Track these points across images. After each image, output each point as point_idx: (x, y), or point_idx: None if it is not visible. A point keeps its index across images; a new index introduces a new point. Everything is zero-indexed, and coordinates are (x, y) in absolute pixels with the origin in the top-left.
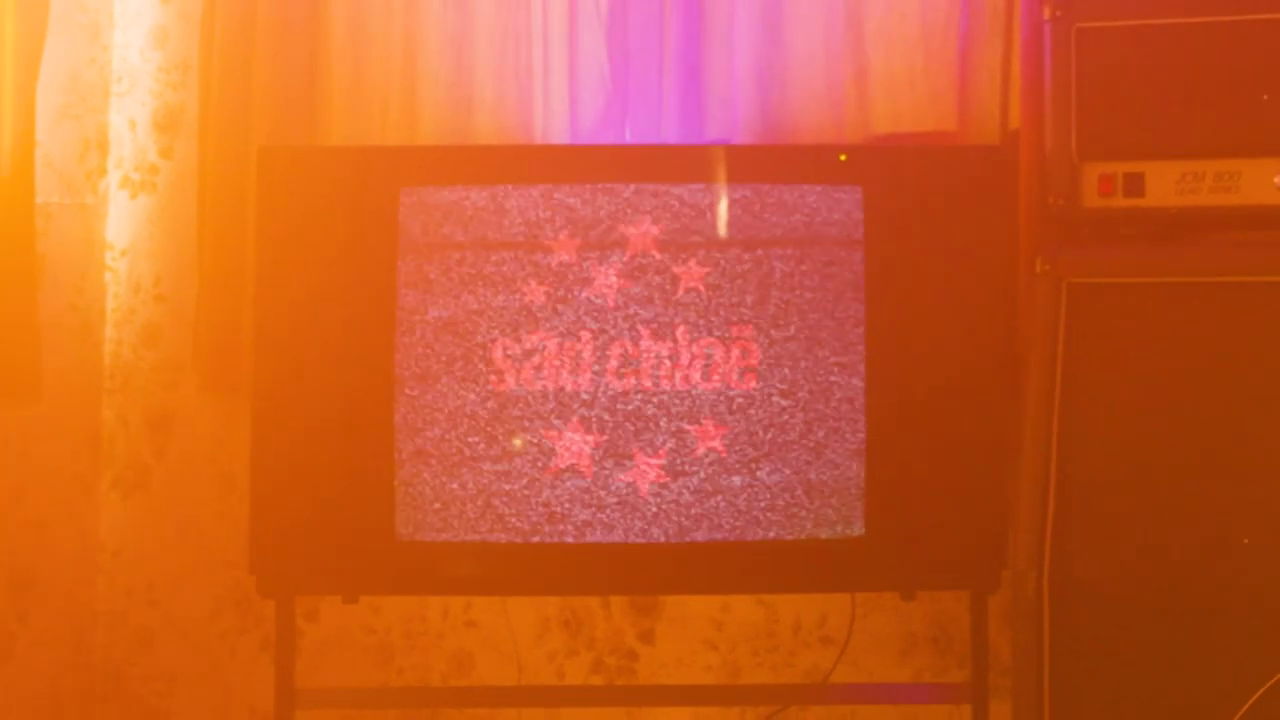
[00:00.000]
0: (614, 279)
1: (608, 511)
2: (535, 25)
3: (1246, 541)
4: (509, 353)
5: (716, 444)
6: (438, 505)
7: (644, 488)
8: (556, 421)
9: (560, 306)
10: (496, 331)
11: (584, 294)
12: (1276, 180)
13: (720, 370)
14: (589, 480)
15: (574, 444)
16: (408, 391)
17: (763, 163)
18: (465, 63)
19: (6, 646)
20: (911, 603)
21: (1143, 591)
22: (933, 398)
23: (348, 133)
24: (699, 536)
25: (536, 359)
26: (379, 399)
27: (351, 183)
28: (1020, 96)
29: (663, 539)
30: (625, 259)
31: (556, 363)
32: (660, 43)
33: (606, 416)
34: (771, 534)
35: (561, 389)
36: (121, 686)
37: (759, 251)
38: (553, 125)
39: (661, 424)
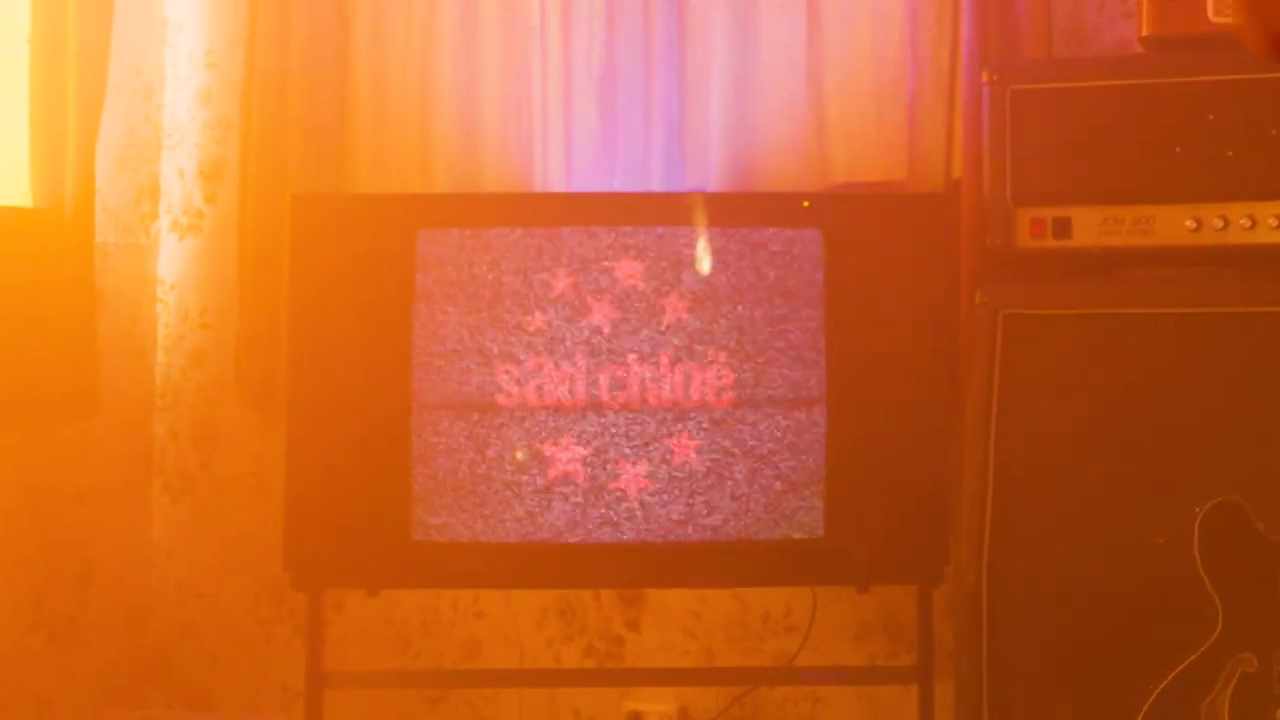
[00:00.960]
0: (605, 310)
1: (599, 515)
2: (535, 85)
3: (1161, 541)
4: (512, 375)
5: (694, 455)
6: (449, 509)
7: (631, 494)
8: (554, 435)
9: (558, 334)
10: (501, 356)
11: (578, 323)
12: (1186, 223)
13: (698, 390)
14: (582, 487)
15: (569, 455)
16: (423, 408)
17: (735, 208)
18: (474, 119)
19: (69, 631)
20: (865, 595)
21: (1069, 585)
22: (885, 414)
23: (371, 181)
24: (679, 537)
25: (537, 380)
26: (398, 415)
27: (374, 225)
28: (962, 149)
29: (647, 539)
30: (615, 292)
31: (554, 384)
32: (646, 101)
33: (598, 431)
34: (743, 535)
35: (559, 407)
36: (170, 668)
37: (732, 286)
38: (551, 174)
39: (647, 438)
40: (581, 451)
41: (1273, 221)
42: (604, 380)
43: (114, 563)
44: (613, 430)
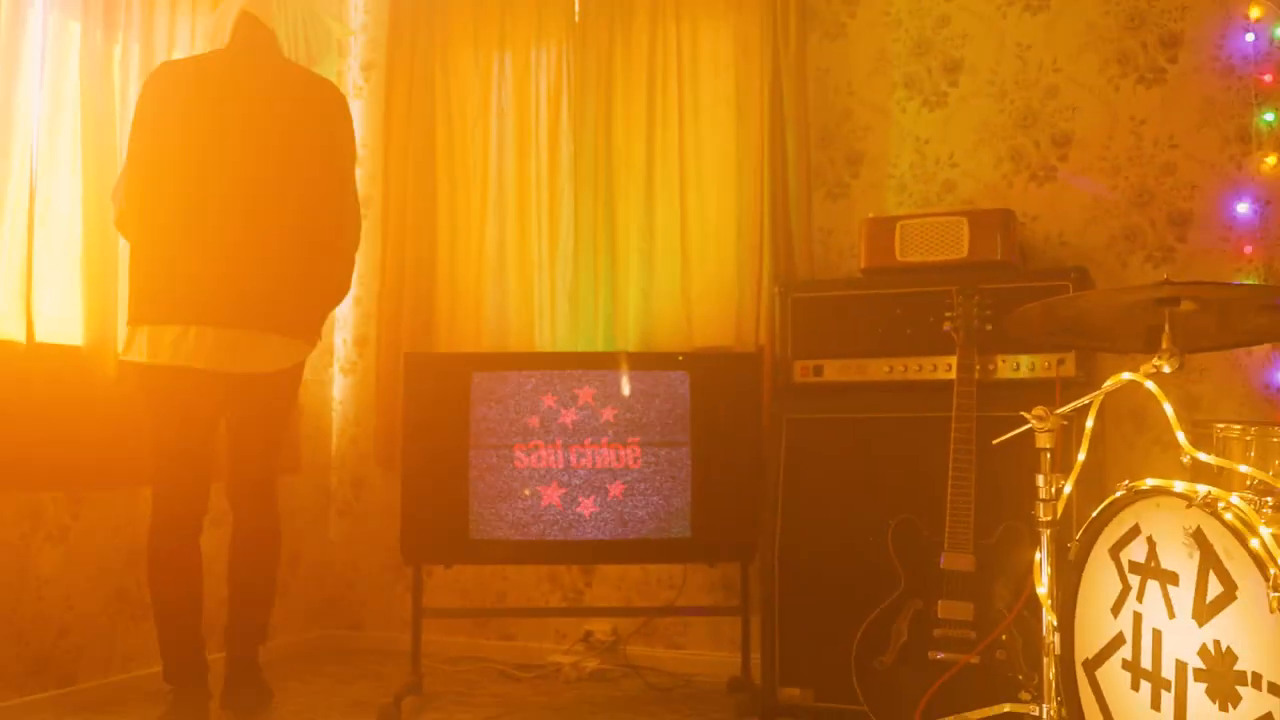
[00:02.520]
0: (572, 415)
1: (569, 525)
2: (535, 292)
3: (870, 539)
4: (522, 450)
5: (621, 494)
6: (489, 522)
7: (587, 515)
8: (545, 483)
9: (547, 428)
10: (516, 438)
11: (558, 422)
12: (885, 369)
13: (623, 459)
14: (561, 510)
15: (554, 494)
16: (474, 466)
17: (642, 361)
18: (503, 311)
19: (285, 590)
20: (714, 569)
21: (823, 563)
22: (723, 470)
23: (448, 345)
24: (613, 538)
25: (536, 454)
26: (461, 472)
27: (449, 370)
28: (766, 327)
29: (596, 539)
30: (577, 406)
31: (545, 456)
32: (595, 302)
33: (569, 481)
34: (647, 536)
35: (547, 466)
36: (337, 607)
37: (640, 403)
38: (544, 341)
39: (595, 484)
40: (560, 491)
41: (930, 368)
42: (572, 454)
43: (310, 552)
44: (577, 481)
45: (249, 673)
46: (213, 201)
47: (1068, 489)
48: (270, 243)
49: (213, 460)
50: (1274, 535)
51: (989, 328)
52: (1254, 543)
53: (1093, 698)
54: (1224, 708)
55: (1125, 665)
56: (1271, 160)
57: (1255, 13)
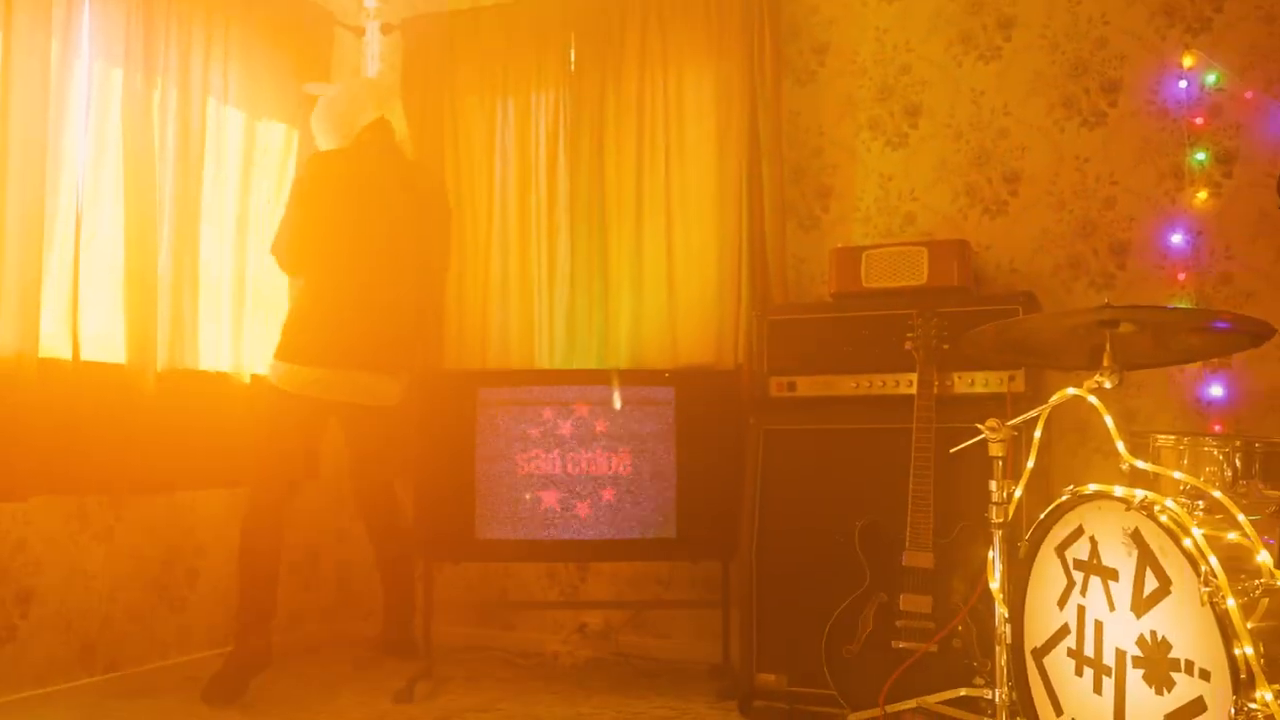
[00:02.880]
0: (568, 427)
1: (566, 526)
2: (535, 314)
3: (839, 539)
4: (523, 458)
5: (613, 498)
6: (493, 523)
7: (582, 516)
8: (544, 488)
9: (546, 438)
10: (518, 448)
11: (556, 433)
12: (853, 385)
13: (614, 466)
14: (558, 513)
15: (552, 498)
16: (480, 473)
17: (633, 377)
18: (505, 332)
19: (311, 578)
20: (697, 566)
21: (796, 561)
22: (705, 477)
23: (457, 362)
24: (606, 538)
25: (536, 460)
26: (467, 477)
27: (457, 386)
28: (744, 346)
29: (590, 539)
30: (574, 418)
31: (545, 463)
32: (590, 323)
33: (566, 486)
34: (636, 537)
35: (546, 473)
36: (355, 601)
37: (631, 415)
38: (543, 358)
39: (589, 489)
40: (558, 495)
41: (894, 383)
42: (569, 461)
43: (329, 551)
44: (572, 486)
45: (408, 630)
46: (349, 271)
47: (1018, 493)
48: (387, 304)
49: (305, 463)
50: (1205, 535)
51: (946, 347)
52: (1186, 542)
53: (1041, 683)
54: (1160, 691)
55: (1070, 653)
56: (1203, 195)
57: (1188, 61)
